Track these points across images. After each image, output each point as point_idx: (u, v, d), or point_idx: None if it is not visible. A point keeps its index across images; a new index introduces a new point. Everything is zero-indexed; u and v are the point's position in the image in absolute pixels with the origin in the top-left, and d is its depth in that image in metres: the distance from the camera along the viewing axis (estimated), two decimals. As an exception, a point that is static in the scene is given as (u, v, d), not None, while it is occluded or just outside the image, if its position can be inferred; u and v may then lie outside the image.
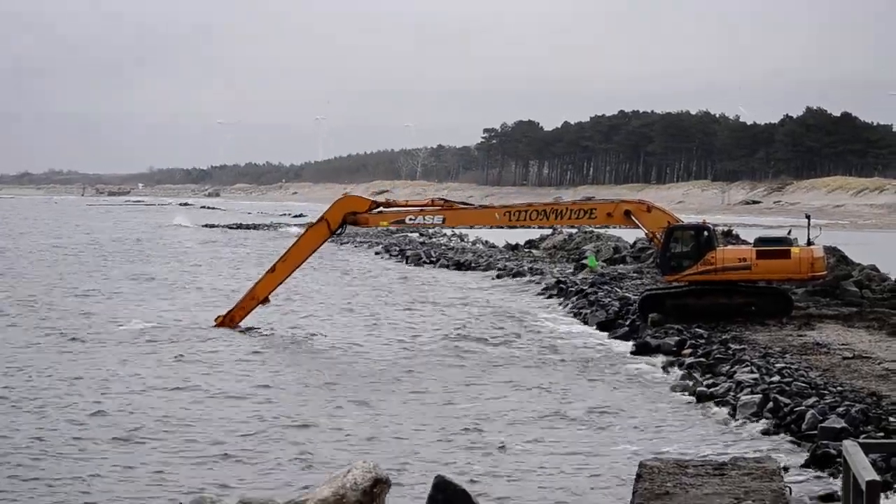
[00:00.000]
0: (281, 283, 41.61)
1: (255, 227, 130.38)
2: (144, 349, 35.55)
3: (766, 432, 23.48)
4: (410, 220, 41.73)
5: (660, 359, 33.94)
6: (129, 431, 24.16)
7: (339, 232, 41.71)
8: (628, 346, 36.95)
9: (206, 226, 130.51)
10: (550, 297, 51.19)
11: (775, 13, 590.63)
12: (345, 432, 24.47)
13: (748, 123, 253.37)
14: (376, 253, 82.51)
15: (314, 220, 43.19)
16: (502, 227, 52.99)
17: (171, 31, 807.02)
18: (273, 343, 38.18)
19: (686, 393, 28.72)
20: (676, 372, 31.65)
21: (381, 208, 41.49)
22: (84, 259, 73.96)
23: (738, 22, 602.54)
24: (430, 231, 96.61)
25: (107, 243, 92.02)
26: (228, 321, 40.22)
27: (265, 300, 40.79)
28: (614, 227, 57.47)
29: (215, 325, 40.07)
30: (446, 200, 43.54)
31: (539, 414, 26.57)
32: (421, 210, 41.69)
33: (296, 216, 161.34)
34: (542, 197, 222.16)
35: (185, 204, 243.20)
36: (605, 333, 40.25)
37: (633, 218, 40.17)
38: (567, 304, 48.05)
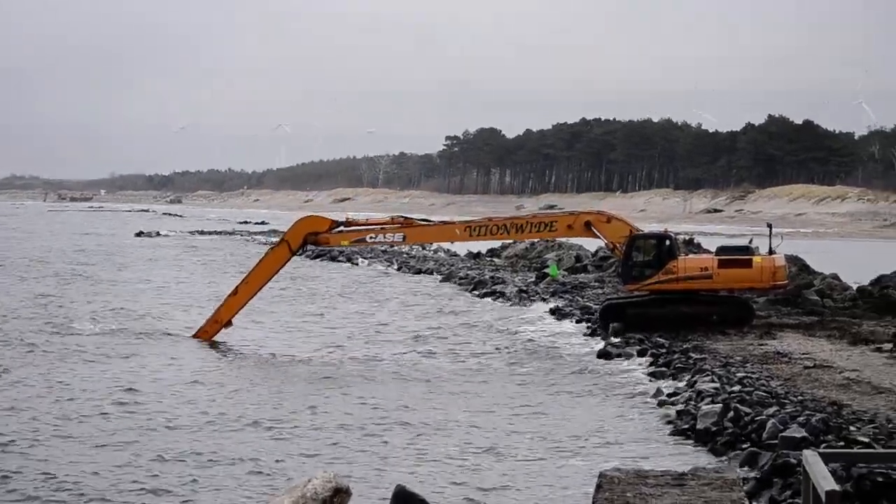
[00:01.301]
0: (244, 306, 41.19)
1: (218, 233, 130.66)
2: (107, 353, 35.42)
3: (726, 443, 23.48)
4: (371, 238, 41.56)
5: (621, 366, 33.96)
6: (85, 435, 23.98)
7: (300, 252, 41.55)
8: (591, 348, 37.21)
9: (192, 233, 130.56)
10: (512, 305, 51.15)
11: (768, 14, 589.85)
12: (306, 441, 24.37)
13: (710, 131, 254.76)
14: (341, 262, 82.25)
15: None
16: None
17: (137, 38, 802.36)
18: (232, 353, 38.10)
19: (646, 402, 28.73)
20: (637, 381, 31.66)
21: (341, 227, 41.19)
22: (80, 266, 73.55)
23: (737, 22, 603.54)
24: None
25: (93, 250, 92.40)
26: None
27: (228, 323, 40.50)
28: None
29: None
30: (406, 218, 43.17)
31: (499, 423, 26.54)
32: (381, 228, 41.52)
33: (258, 223, 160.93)
34: (503, 204, 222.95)
35: (145, 211, 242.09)
36: (569, 332, 40.78)
37: (594, 229, 40.22)
38: (528, 312, 48.14)
